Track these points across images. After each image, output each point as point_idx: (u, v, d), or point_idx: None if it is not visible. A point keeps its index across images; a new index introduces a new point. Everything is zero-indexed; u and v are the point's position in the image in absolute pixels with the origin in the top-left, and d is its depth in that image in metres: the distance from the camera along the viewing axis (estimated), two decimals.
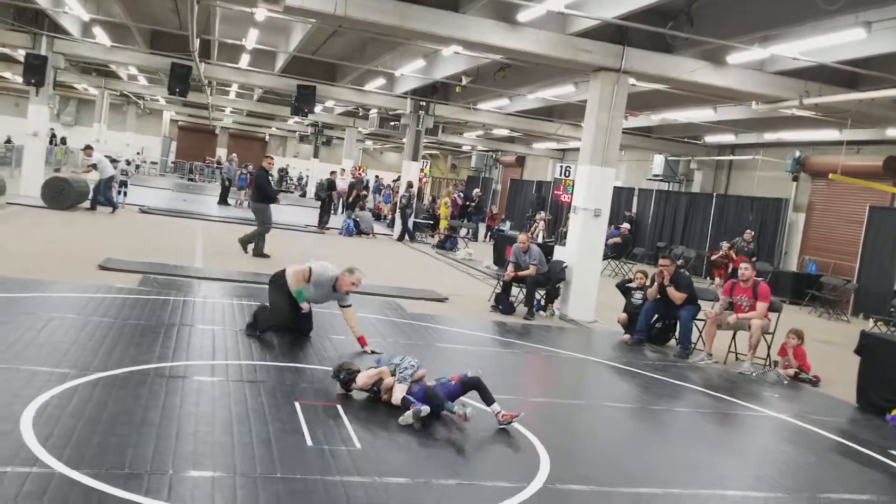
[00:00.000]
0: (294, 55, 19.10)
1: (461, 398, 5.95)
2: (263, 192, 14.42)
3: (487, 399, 5.90)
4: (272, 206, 14.44)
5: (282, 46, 19.53)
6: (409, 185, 22.57)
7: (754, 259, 18.26)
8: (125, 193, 21.73)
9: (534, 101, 20.72)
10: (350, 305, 7.99)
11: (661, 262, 10.35)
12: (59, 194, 17.48)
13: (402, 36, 13.34)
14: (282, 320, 7.91)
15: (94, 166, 18.72)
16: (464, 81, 17.87)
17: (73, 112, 45.57)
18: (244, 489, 4.17)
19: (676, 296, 9.98)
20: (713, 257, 19.77)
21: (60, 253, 11.59)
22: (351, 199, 23.75)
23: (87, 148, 19.82)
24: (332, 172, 26.90)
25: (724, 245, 19.24)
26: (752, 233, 19.33)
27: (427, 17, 10.76)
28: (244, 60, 21.61)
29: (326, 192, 23.34)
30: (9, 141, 18.51)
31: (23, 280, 8.96)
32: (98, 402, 5.22)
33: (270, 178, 15.64)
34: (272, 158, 16.07)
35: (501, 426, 5.74)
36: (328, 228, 22.02)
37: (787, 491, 5.38)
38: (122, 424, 4.86)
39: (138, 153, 45.30)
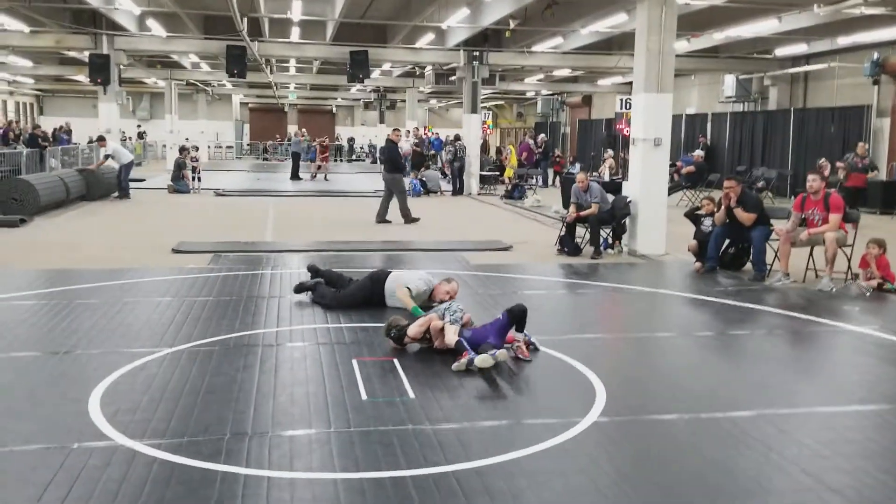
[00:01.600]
0: (342, 21, 19.10)
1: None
2: (395, 163, 15.25)
3: (521, 327, 5.99)
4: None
5: (329, 14, 19.55)
6: (456, 137, 22.39)
7: (875, 173, 16.77)
8: (199, 178, 22.39)
9: (588, 35, 20.11)
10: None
11: (726, 183, 9.98)
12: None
13: None
14: (349, 305, 7.66)
15: (110, 156, 18.92)
16: (512, 25, 17.49)
17: (147, 106, 47.12)
18: (303, 446, 4.28)
19: (745, 217, 9.62)
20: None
21: (137, 242, 12.06)
22: (414, 159, 23.75)
23: (101, 139, 19.72)
24: (395, 131, 26.97)
25: (823, 162, 17.03)
26: (866, 146, 17.15)
27: None
28: (295, 34, 21.77)
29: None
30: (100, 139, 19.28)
31: (97, 269, 9.38)
32: (163, 376, 5.43)
33: (400, 149, 16.32)
34: (399, 130, 16.73)
35: (518, 356, 5.87)
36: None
37: (860, 402, 5.15)
38: (185, 395, 5.05)
39: (196, 147, 46.41)
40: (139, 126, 43.54)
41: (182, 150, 24.19)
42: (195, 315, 7.28)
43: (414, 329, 6.04)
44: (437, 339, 6.00)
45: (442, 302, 7.15)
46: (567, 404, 5.04)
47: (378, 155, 23.59)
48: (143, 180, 24.60)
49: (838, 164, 17.13)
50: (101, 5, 17.33)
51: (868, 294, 8.67)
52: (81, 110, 43.48)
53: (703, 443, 4.41)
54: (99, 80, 20.17)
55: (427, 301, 7.40)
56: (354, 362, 5.81)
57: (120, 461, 4.03)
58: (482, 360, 5.50)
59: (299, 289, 8.07)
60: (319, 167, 28.08)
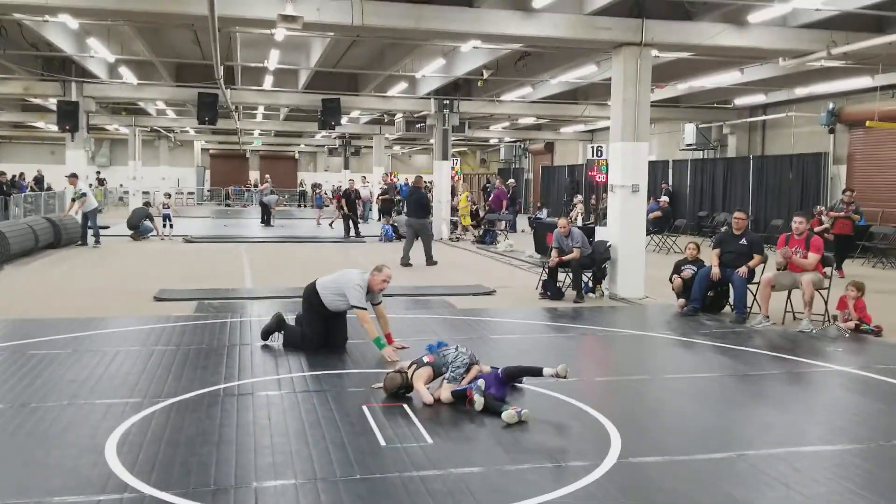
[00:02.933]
0: (316, 70, 19.34)
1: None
2: (425, 209, 16.58)
3: (534, 372, 6.08)
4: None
5: (303, 63, 19.79)
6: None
7: (858, 217, 15.50)
8: (171, 225, 22.21)
9: (557, 85, 20.67)
10: (381, 303, 7.95)
11: (736, 214, 10.51)
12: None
13: (419, 38, 13.45)
14: (317, 345, 7.74)
15: (84, 195, 18.53)
16: (485, 75, 17.90)
17: (107, 153, 46.66)
18: (326, 493, 4.29)
19: (757, 260, 9.99)
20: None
21: (115, 289, 11.92)
22: (380, 205, 23.92)
23: (73, 176, 19.27)
24: (350, 181, 27.15)
25: (821, 208, 16.59)
26: (852, 192, 16.12)
27: (442, 15, 10.84)
28: (268, 82, 21.93)
29: (339, 201, 23.68)
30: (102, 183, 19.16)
31: (83, 319, 9.25)
32: (175, 426, 5.40)
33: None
34: (422, 177, 17.92)
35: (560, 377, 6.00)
36: (363, 237, 22.28)
37: (861, 441, 5.34)
38: (201, 444, 5.02)
39: (168, 194, 46.06)
40: (98, 172, 43.01)
41: (146, 203, 24.07)
42: (192, 363, 7.22)
43: (419, 383, 6.04)
44: (436, 393, 6.05)
45: (381, 291, 7.82)
46: (584, 447, 5.12)
47: (401, 200, 23.77)
48: (108, 227, 24.28)
49: (820, 208, 16.78)
50: (74, 53, 17.28)
51: (847, 335, 8.98)
52: (37, 157, 42.85)
53: (724, 483, 4.52)
54: (67, 128, 19.99)
55: (368, 296, 7.68)
56: (365, 409, 5.83)
57: None
58: (508, 415, 5.53)
59: (265, 334, 8.13)
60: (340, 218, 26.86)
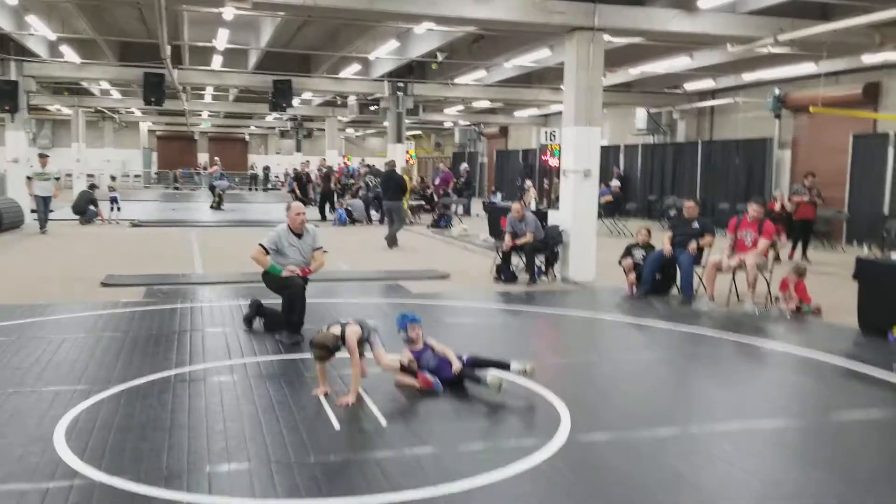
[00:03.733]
0: (266, 50, 19.07)
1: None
2: (400, 191, 16.87)
3: (502, 365, 6.08)
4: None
5: (253, 43, 19.48)
6: (369, 168, 22.73)
7: (821, 201, 15.26)
8: (118, 209, 21.74)
9: (511, 69, 20.72)
10: (320, 248, 7.89)
11: (687, 204, 10.82)
12: None
13: (372, 19, 13.35)
14: (293, 303, 7.58)
15: (58, 179, 18.12)
16: (439, 58, 17.87)
17: (48, 134, 45.32)
18: (281, 475, 4.30)
19: (709, 240, 10.30)
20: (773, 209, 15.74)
21: (61, 275, 11.65)
22: (322, 190, 23.67)
23: (43, 156, 18.75)
24: (302, 164, 26.88)
25: (778, 193, 16.38)
26: (814, 177, 15.65)
27: None
28: (217, 62, 21.55)
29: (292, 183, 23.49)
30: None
31: (29, 306, 9.04)
32: (125, 413, 5.34)
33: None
34: (394, 161, 18.08)
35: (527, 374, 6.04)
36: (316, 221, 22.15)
37: (799, 416, 5.55)
38: (153, 430, 4.98)
39: (114, 177, 45.06)
40: (40, 154, 41.78)
41: (92, 186, 23.48)
42: (141, 350, 7.13)
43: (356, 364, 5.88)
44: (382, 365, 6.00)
45: (304, 227, 7.68)
46: (535, 426, 5.22)
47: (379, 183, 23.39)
48: (52, 211, 23.65)
49: (778, 192, 16.43)
50: (13, 31, 16.72)
51: (788, 316, 9.26)
52: None
53: (670, 458, 4.65)
54: (7, 108, 19.38)
55: (298, 240, 7.64)
56: (319, 392, 5.82)
57: (99, 497, 3.96)
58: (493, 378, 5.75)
59: (247, 321, 8.10)
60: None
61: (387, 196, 17.12)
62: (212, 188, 27.86)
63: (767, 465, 4.57)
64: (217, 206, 26.77)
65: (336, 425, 5.12)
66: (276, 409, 5.47)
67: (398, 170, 17.53)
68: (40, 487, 4.08)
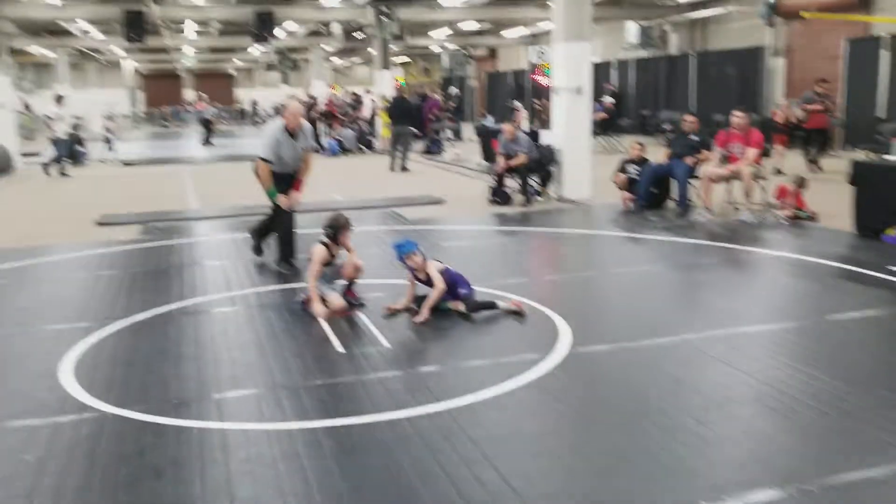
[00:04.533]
0: None
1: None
2: (410, 117, 17.38)
3: (490, 305, 5.95)
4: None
5: None
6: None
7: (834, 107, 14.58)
8: (111, 149, 21.50)
9: None
10: (309, 147, 7.66)
11: (686, 117, 10.79)
12: None
13: None
14: (287, 223, 7.58)
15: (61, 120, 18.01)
16: None
17: (32, 78, 44.54)
18: (288, 399, 4.37)
19: (706, 155, 10.26)
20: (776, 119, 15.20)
21: (56, 216, 11.61)
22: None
23: (60, 98, 18.59)
24: (291, 97, 26.30)
25: (784, 103, 15.30)
26: (825, 82, 14.76)
27: None
28: None
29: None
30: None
31: (26, 248, 9.03)
32: (130, 346, 5.40)
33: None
34: (431, 89, 18.14)
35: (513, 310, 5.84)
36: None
37: (797, 319, 5.63)
38: (159, 362, 5.04)
39: (109, 116, 44.41)
40: (57, 97, 41.07)
41: (75, 127, 23.10)
42: (141, 286, 7.15)
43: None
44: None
45: (301, 128, 7.35)
46: (536, 341, 5.28)
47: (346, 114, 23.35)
48: (38, 154, 23.43)
49: (783, 100, 15.35)
50: None
51: (784, 223, 9.29)
52: None
53: (669, 364, 4.74)
54: None
55: (294, 141, 7.32)
56: (321, 319, 5.88)
57: (110, 428, 4.04)
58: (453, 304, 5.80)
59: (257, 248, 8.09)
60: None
61: (395, 122, 17.47)
62: (203, 122, 27.47)
63: (765, 366, 4.66)
64: (207, 140, 26.44)
65: (340, 349, 5.19)
66: (280, 336, 5.53)
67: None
68: (50, 422, 4.15)
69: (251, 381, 4.67)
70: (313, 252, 6.07)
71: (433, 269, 5.93)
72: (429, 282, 5.92)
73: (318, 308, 5.87)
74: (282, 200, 7.46)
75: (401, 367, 4.85)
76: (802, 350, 4.96)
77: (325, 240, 6.11)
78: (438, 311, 5.79)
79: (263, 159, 7.31)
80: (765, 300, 6.29)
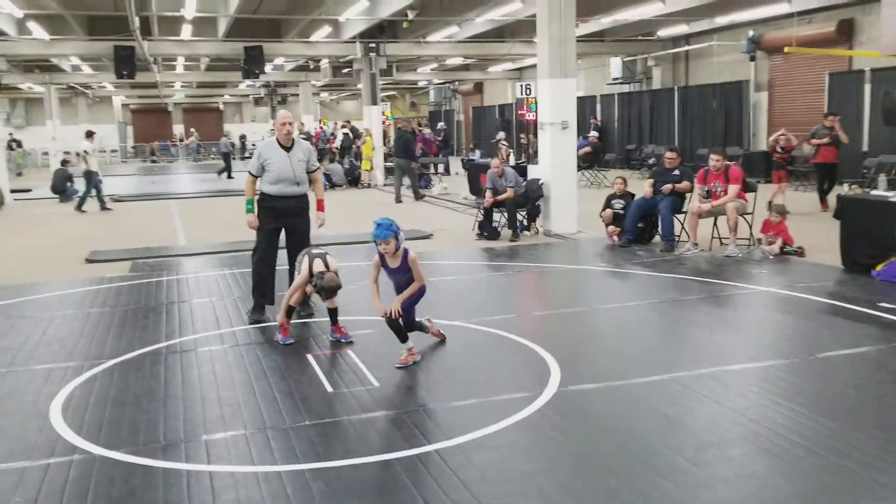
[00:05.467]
0: (236, 17, 18.75)
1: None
2: (411, 150, 18.17)
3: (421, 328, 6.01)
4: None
5: (222, 10, 19.15)
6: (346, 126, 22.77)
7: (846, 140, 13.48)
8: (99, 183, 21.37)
9: (483, 24, 20.50)
10: (317, 168, 7.22)
11: (668, 154, 10.66)
12: None
13: None
14: (262, 257, 7.04)
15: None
16: (410, 16, 17.66)
17: (22, 113, 44.62)
18: (277, 440, 4.36)
19: (685, 186, 10.30)
20: (773, 153, 14.26)
21: (45, 253, 11.58)
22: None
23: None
24: (271, 131, 26.32)
25: (786, 136, 14.03)
26: (835, 116, 13.79)
27: None
28: (186, 31, 21.19)
29: None
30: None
31: (14, 286, 9.00)
32: (119, 386, 5.37)
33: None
34: (419, 124, 18.54)
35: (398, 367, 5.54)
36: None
37: (786, 356, 5.66)
38: (148, 402, 5.02)
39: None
40: (10, 134, 41.08)
41: (64, 162, 23.09)
42: (131, 324, 7.14)
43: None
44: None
45: (290, 136, 6.87)
46: (525, 379, 5.29)
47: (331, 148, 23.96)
48: (29, 191, 23.42)
49: (784, 134, 14.14)
50: None
51: (771, 257, 9.38)
52: None
53: (659, 403, 4.76)
54: None
55: (287, 154, 6.81)
56: (310, 357, 5.89)
57: (99, 470, 4.02)
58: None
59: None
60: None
61: (398, 154, 18.30)
62: (225, 156, 27.57)
63: (755, 404, 4.68)
64: (227, 173, 26.49)
65: (328, 388, 5.19)
66: (268, 374, 5.52)
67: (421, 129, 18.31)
68: (41, 464, 4.12)
69: (239, 421, 4.66)
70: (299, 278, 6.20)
71: (416, 263, 5.62)
72: (397, 271, 5.64)
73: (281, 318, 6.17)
74: (248, 219, 7.02)
75: (390, 406, 4.84)
76: (792, 388, 4.99)
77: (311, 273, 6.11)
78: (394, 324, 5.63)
79: (249, 172, 7.04)
80: (753, 337, 6.34)
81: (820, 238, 9.85)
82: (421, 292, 5.77)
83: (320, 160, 23.45)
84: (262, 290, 7.10)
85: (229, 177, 26.56)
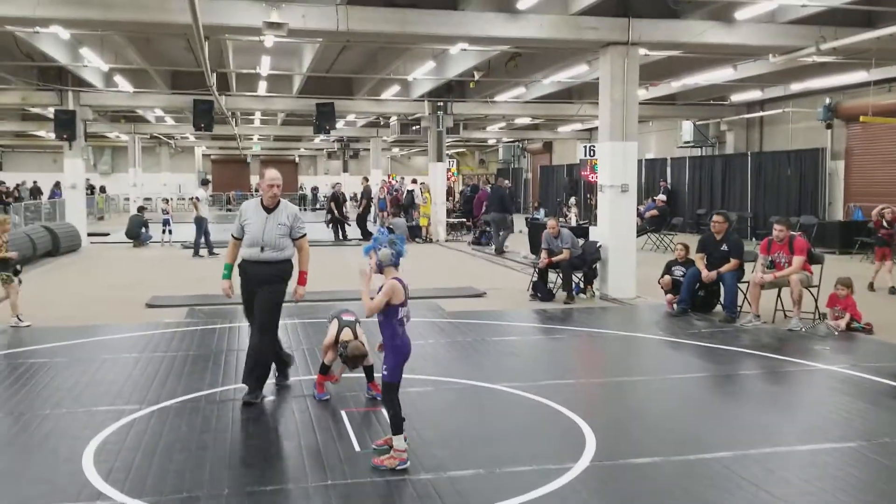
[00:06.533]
0: (309, 75, 19.38)
1: None
2: (504, 205, 19.19)
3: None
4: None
5: (296, 68, 19.83)
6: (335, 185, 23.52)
7: None
8: (170, 231, 22.21)
9: (550, 85, 20.66)
10: (303, 235, 6.42)
11: (715, 218, 10.32)
12: None
13: (406, 41, 13.50)
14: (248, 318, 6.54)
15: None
16: (476, 76, 17.92)
17: (108, 160, 46.83)
18: (297, 499, 4.30)
19: (732, 265, 9.89)
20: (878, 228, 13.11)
21: (109, 297, 11.94)
22: (362, 209, 23.86)
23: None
24: (336, 184, 26.61)
25: (891, 210, 12.98)
26: None
27: (427, 19, 10.87)
28: (262, 87, 21.99)
29: (328, 204, 23.66)
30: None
31: (75, 327, 9.29)
32: (154, 433, 5.42)
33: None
34: (508, 181, 20.63)
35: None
36: (348, 240, 22.28)
37: (838, 440, 5.32)
38: (178, 451, 5.05)
39: (167, 200, 46.16)
40: (87, 179, 42.93)
41: (140, 209, 24.03)
42: (177, 370, 7.25)
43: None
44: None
45: (276, 197, 6.23)
46: (559, 449, 5.12)
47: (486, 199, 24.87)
48: (108, 234, 24.39)
49: (886, 208, 13.07)
50: (68, 63, 17.35)
51: (837, 333, 8.95)
52: (40, 165, 43.09)
53: (695, 485, 4.52)
54: (65, 136, 20.06)
55: (268, 214, 6.18)
56: (343, 413, 5.85)
57: None
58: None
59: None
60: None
61: (491, 209, 19.30)
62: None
63: (800, 491, 4.41)
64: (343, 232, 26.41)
65: (357, 447, 5.12)
66: (300, 430, 5.49)
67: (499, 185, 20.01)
68: None
69: (262, 478, 4.62)
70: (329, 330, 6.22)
71: (384, 289, 4.76)
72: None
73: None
74: (222, 286, 6.50)
75: (415, 471, 4.72)
76: (843, 476, 4.67)
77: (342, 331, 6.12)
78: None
79: (232, 234, 6.42)
80: (806, 418, 5.99)
81: (891, 315, 9.36)
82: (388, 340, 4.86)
83: (362, 218, 23.71)
84: (254, 363, 6.24)
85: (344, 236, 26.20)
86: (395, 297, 4.74)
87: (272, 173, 6.26)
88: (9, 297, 9.42)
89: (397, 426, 4.73)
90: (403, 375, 4.91)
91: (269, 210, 6.25)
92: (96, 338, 8.80)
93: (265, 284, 6.23)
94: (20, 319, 9.35)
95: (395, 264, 4.85)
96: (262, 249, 6.17)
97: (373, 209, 26.06)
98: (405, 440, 4.78)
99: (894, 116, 16.86)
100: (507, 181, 25.01)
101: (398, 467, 4.68)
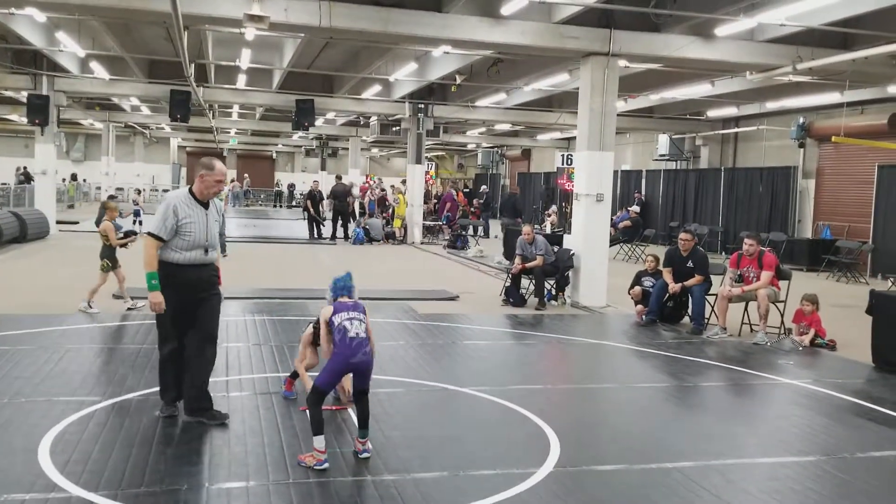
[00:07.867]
0: (289, 70, 19.24)
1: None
2: (516, 210, 20.84)
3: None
4: None
5: (276, 63, 19.69)
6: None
7: None
8: (140, 223, 21.91)
9: (531, 92, 20.73)
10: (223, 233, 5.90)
11: (682, 235, 10.37)
12: None
13: (388, 41, 13.47)
14: (172, 352, 5.69)
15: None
16: (458, 80, 17.93)
17: (81, 148, 46.17)
18: (255, 497, 4.25)
19: (697, 280, 9.96)
20: None
21: (75, 286, 11.73)
22: (350, 209, 23.74)
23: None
24: (314, 182, 26.43)
25: None
26: None
27: (410, 19, 10.85)
28: (241, 81, 21.82)
29: (305, 202, 23.44)
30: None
31: (40, 315, 9.14)
32: (114, 426, 5.34)
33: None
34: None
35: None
36: (322, 239, 22.15)
37: (799, 454, 5.39)
38: (137, 445, 4.97)
39: (138, 191, 45.68)
40: (56, 172, 42.40)
41: (110, 197, 23.68)
42: (141, 363, 7.14)
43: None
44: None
45: (217, 195, 5.78)
46: (524, 454, 5.12)
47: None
48: (77, 223, 24.04)
49: None
50: (44, 47, 17.07)
51: (801, 349, 9.06)
52: (11, 150, 42.36)
53: (656, 493, 4.54)
54: (37, 121, 19.74)
55: (205, 212, 5.53)
56: (307, 413, 5.78)
57: None
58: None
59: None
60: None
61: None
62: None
63: (756, 501, 4.45)
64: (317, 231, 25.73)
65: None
66: (264, 428, 5.44)
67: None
68: (15, 499, 4.07)
69: (223, 474, 4.57)
70: (302, 337, 6.16)
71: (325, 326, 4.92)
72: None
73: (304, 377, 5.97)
74: (155, 300, 5.41)
75: (377, 471, 4.69)
76: (802, 489, 4.72)
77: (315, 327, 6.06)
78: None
79: (151, 234, 5.40)
80: (768, 431, 6.05)
81: (854, 333, 9.50)
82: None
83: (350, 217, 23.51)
84: (168, 375, 5.66)
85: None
86: (324, 316, 4.99)
87: (222, 167, 5.65)
88: None
89: (316, 426, 4.70)
90: (373, 376, 4.94)
91: (205, 205, 5.56)
92: (61, 327, 8.66)
93: (209, 289, 5.56)
94: None
95: (341, 296, 5.08)
96: (207, 251, 5.50)
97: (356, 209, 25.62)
98: (324, 442, 4.71)
99: (865, 138, 17.13)
100: (516, 188, 25.35)
101: (316, 467, 4.63)
